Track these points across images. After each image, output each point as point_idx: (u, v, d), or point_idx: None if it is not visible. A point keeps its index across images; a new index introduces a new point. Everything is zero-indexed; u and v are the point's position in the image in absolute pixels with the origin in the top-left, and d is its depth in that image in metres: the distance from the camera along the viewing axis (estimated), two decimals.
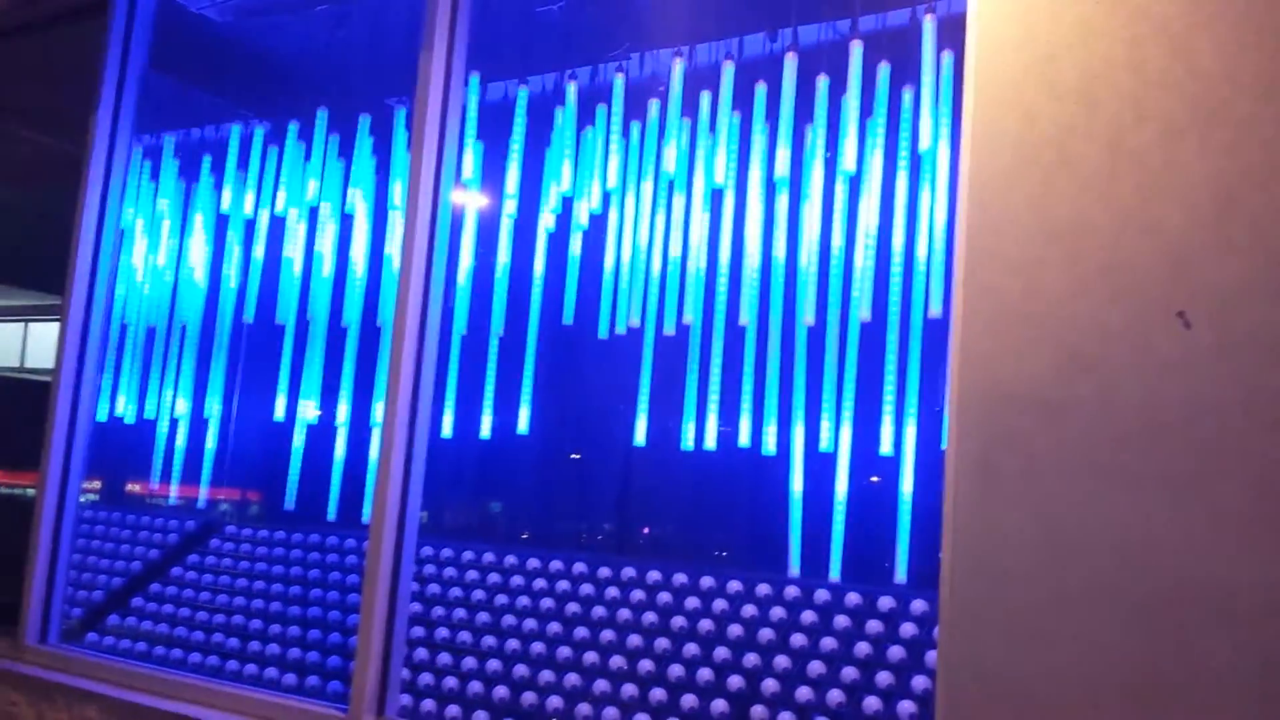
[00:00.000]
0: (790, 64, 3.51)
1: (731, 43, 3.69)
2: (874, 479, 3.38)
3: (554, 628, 3.53)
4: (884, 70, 3.39)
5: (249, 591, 4.16)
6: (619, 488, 4.22)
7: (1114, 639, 2.17)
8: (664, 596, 3.43)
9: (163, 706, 3.72)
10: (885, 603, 3.12)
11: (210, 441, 4.68)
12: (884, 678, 2.99)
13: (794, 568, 3.41)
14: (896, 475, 3.24)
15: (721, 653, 3.24)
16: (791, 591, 3.28)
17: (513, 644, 3.56)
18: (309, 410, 4.47)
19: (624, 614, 3.45)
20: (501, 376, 4.08)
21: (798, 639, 3.16)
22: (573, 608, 3.54)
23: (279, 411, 4.51)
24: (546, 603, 3.60)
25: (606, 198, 3.96)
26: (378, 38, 4.41)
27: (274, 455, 4.55)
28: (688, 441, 3.64)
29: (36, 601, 4.27)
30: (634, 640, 3.38)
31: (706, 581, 3.41)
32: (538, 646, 3.51)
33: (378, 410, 3.91)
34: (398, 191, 4.27)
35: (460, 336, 4.07)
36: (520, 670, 3.48)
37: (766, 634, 3.20)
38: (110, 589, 4.48)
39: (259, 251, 4.65)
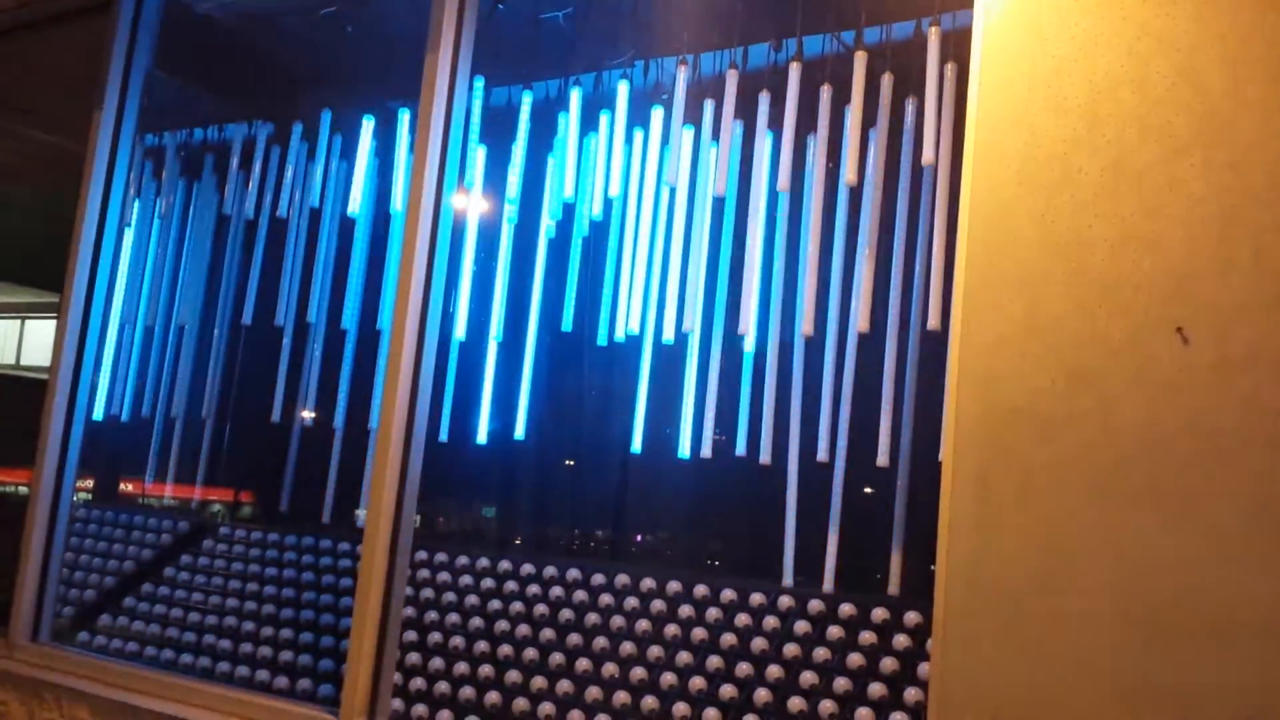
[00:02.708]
0: (794, 74, 3.51)
1: (736, 52, 3.69)
2: (869, 490, 3.39)
3: (547, 634, 3.52)
4: (887, 82, 3.40)
5: (241, 593, 4.15)
6: (615, 494, 4.22)
7: (1109, 654, 2.17)
8: (658, 604, 3.43)
9: (154, 707, 3.71)
10: (879, 614, 3.13)
11: (205, 442, 4.68)
12: (876, 689, 2.98)
13: (788, 577, 3.41)
14: (892, 487, 3.24)
15: (714, 661, 3.23)
16: (785, 601, 3.28)
17: (505, 649, 3.55)
18: (305, 413, 4.47)
19: (617, 621, 3.44)
20: (499, 382, 4.09)
21: (791, 648, 3.16)
22: (566, 614, 3.54)
23: (275, 413, 4.51)
24: (540, 608, 3.59)
25: (608, 204, 3.97)
26: (383, 40, 4.41)
27: (270, 457, 4.54)
28: (684, 449, 3.65)
29: (28, 600, 4.24)
30: (627, 647, 3.37)
31: (700, 590, 3.41)
32: (530, 652, 3.50)
33: (374, 413, 3.91)
34: (399, 194, 4.27)
35: (459, 341, 4.07)
36: (513, 676, 3.47)
37: (760, 643, 3.20)
38: (103, 588, 4.47)
39: (259, 253, 4.65)
